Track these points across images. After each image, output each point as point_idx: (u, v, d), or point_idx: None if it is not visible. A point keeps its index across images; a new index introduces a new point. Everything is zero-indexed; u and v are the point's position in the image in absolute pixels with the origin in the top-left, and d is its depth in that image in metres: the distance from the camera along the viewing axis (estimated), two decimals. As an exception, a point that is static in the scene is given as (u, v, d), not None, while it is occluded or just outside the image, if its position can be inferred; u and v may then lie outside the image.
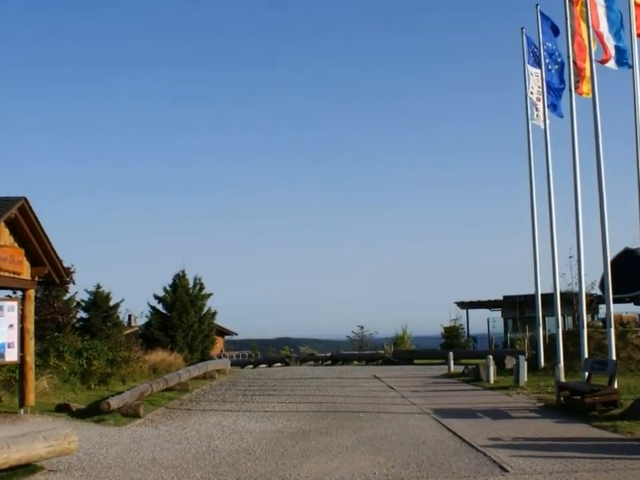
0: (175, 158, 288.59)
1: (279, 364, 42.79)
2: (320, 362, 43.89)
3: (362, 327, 54.01)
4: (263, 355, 56.16)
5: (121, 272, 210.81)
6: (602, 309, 33.78)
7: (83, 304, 35.35)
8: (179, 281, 41.22)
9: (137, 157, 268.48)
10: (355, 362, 42.22)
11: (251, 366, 43.06)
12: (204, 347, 41.05)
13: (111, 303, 36.15)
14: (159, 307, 41.12)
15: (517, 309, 40.33)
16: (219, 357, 41.69)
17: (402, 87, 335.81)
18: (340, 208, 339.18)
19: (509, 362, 27.32)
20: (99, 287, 36.04)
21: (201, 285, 42.21)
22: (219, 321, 47.09)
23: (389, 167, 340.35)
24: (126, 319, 41.49)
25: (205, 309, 42.29)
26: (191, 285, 41.78)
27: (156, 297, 41.12)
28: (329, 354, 47.15)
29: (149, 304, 41.18)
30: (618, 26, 21.04)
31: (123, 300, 37.25)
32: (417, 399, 19.30)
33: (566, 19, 21.78)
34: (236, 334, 61.28)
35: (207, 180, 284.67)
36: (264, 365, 43.00)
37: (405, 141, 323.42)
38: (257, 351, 61.24)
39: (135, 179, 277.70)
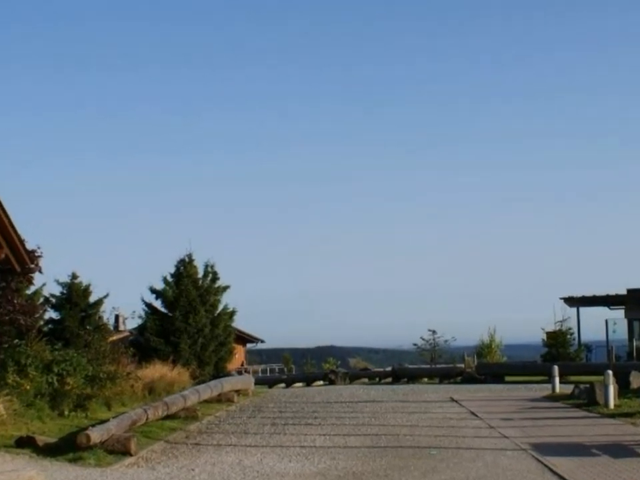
0: (179, 102, 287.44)
1: (321, 382, 42.92)
2: (377, 379, 43.95)
3: (434, 332, 53.94)
4: (299, 369, 56.45)
5: (105, 257, 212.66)
6: None
7: (53, 300, 35.79)
8: (184, 269, 41.51)
9: (127, 100, 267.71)
10: (425, 379, 42.20)
11: (283, 384, 43.28)
12: (218, 358, 41.36)
13: (92, 299, 36.56)
14: (157, 304, 41.49)
15: (647, 306, 39.97)
16: (239, 373, 42.00)
17: (486, 2, 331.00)
18: (401, 171, 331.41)
19: (636, 380, 27.07)
20: (74, 277, 36.47)
21: (214, 274, 42.49)
22: (239, 323, 47.47)
23: (468, 114, 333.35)
24: (112, 321, 41.92)
25: (220, 308, 42.56)
26: (200, 274, 42.05)
27: (153, 291, 41.46)
28: (388, 368, 47.13)
29: (143, 300, 41.59)
30: None
31: (107, 295, 37.70)
32: (509, 430, 19.23)
33: None
34: (262, 341, 61.77)
35: (221, 132, 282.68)
36: (300, 384, 43.15)
37: (490, 79, 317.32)
38: (291, 364, 61.67)
39: (124, 131, 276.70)
